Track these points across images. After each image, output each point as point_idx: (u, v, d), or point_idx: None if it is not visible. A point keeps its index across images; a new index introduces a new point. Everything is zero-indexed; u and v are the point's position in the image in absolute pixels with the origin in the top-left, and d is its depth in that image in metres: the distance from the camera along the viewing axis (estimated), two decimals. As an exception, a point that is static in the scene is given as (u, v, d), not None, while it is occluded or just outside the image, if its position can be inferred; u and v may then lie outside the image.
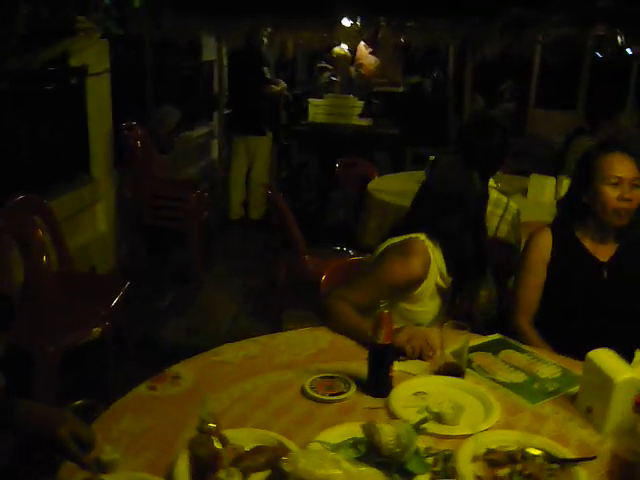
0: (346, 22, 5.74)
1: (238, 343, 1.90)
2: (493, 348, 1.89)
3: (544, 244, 2.22)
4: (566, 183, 3.70)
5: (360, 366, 1.75)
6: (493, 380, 1.71)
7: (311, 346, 1.89)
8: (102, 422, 1.47)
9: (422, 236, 2.07)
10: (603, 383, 1.48)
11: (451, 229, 2.07)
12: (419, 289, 2.06)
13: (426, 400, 1.59)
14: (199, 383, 1.66)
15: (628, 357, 1.96)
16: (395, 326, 1.90)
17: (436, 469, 1.31)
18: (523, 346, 1.93)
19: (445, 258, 2.09)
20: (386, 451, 1.31)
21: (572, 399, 1.62)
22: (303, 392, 1.62)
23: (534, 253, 2.23)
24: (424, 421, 1.43)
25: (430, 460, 1.33)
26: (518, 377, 1.73)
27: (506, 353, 1.88)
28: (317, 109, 5.86)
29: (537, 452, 1.37)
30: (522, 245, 2.48)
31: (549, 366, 1.79)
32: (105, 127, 4.65)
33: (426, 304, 2.11)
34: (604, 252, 2.18)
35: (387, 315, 1.60)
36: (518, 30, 5.67)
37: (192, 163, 6.78)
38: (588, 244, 2.19)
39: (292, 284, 3.81)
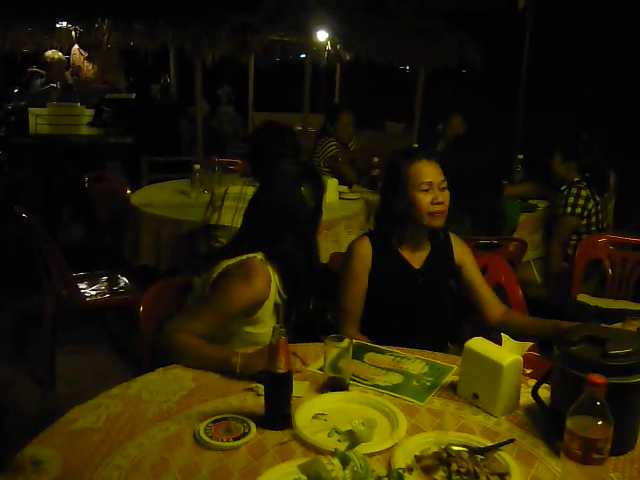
0: (61, 24, 5.24)
1: (89, 402, 1.59)
2: (355, 354, 1.90)
3: (365, 253, 2.28)
4: (331, 182, 3.93)
5: (242, 400, 1.62)
6: (376, 387, 1.72)
7: (178, 388, 1.67)
8: None
9: (259, 255, 1.97)
10: (490, 368, 1.58)
11: (286, 248, 2.00)
12: (261, 310, 1.97)
13: (328, 421, 1.53)
14: (69, 463, 1.34)
15: (441, 348, 2.20)
16: (241, 351, 1.82)
17: (392, 491, 1.27)
18: (378, 347, 1.98)
19: (280, 275, 2.03)
20: (340, 487, 1.23)
21: (449, 389, 1.72)
22: (201, 443, 1.43)
23: (356, 262, 2.28)
24: (354, 444, 1.37)
25: (382, 483, 1.28)
26: (395, 378, 1.76)
27: (369, 356, 1.90)
28: (40, 119, 5.22)
29: (460, 448, 1.42)
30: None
31: (414, 362, 1.87)
32: None
33: (267, 324, 2.02)
34: (418, 259, 2.33)
35: (284, 341, 1.49)
36: (242, 35, 5.82)
37: None
38: (404, 252, 2.31)
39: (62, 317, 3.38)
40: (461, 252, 2.38)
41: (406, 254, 2.31)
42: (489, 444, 1.44)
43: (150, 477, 1.32)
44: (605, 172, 4.00)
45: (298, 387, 1.68)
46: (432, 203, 2.19)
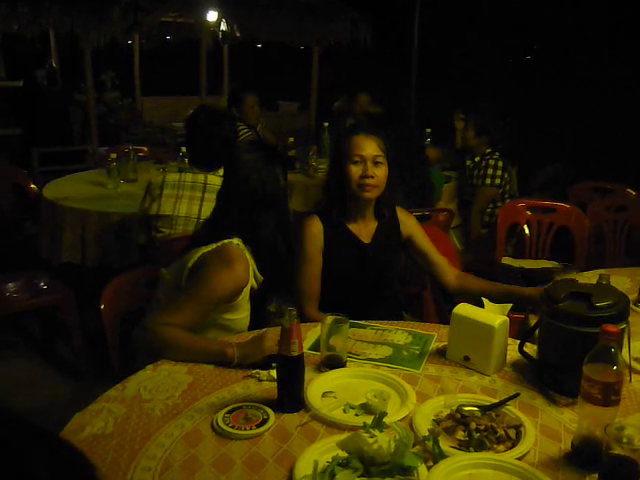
0: None
1: (89, 408, 1.52)
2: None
3: (316, 232, 2.30)
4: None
5: (246, 387, 1.62)
6: (371, 360, 1.77)
7: (176, 384, 1.63)
8: None
9: (235, 240, 1.95)
10: (481, 331, 1.68)
11: (264, 229, 1.99)
12: (240, 296, 1.95)
13: (338, 398, 1.57)
14: (93, 472, 1.29)
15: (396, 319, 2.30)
16: (225, 339, 1.85)
17: (426, 455, 1.33)
18: (358, 322, 2.03)
19: (256, 258, 2.02)
20: (383, 457, 1.27)
21: (438, 355, 1.80)
22: (224, 434, 1.41)
23: (309, 243, 2.30)
24: (382, 416, 1.41)
25: (418, 448, 1.33)
26: (386, 351, 1.82)
27: (352, 332, 1.94)
28: None
29: (470, 407, 1.50)
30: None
31: (396, 333, 1.94)
32: None
33: (244, 310, 2.01)
34: (367, 233, 2.38)
35: (297, 324, 1.49)
36: (133, 16, 5.58)
37: None
38: (353, 227, 2.35)
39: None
40: (408, 224, 2.46)
41: (354, 229, 2.35)
42: (494, 401, 1.53)
43: (185, 475, 1.29)
44: (513, 143, 4.28)
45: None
46: (361, 176, 2.23)
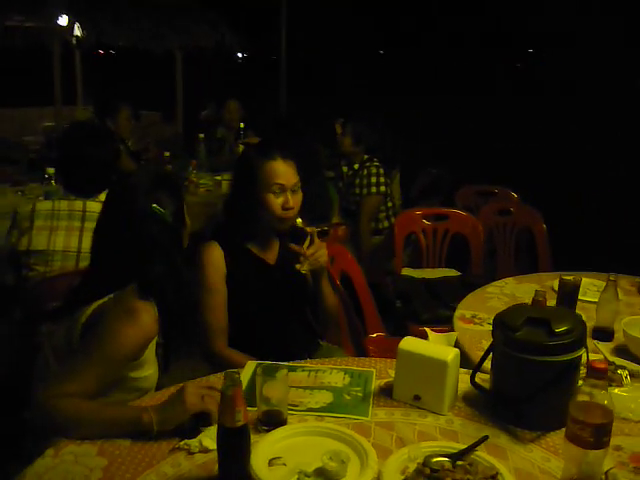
0: None
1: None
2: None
3: (217, 258, 2.09)
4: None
5: (176, 464, 1.36)
6: (311, 411, 1.56)
7: (87, 471, 1.32)
8: None
9: (132, 287, 1.64)
10: (432, 367, 1.53)
11: (155, 278, 1.65)
12: (147, 350, 1.66)
13: (288, 465, 1.35)
14: None
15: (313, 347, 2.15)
16: (136, 403, 1.58)
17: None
18: (284, 364, 1.81)
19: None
20: None
21: (383, 394, 1.63)
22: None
23: (210, 271, 2.08)
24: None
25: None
26: (326, 397, 1.62)
27: (283, 377, 1.73)
28: None
29: (438, 458, 1.35)
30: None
31: (331, 374, 1.74)
32: None
33: (151, 365, 1.71)
34: (271, 254, 2.21)
35: (239, 390, 1.25)
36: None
37: None
38: (256, 250, 2.17)
39: None
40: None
41: (258, 251, 2.17)
42: (460, 445, 1.39)
43: None
44: (391, 150, 4.26)
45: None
46: (283, 208, 2.06)
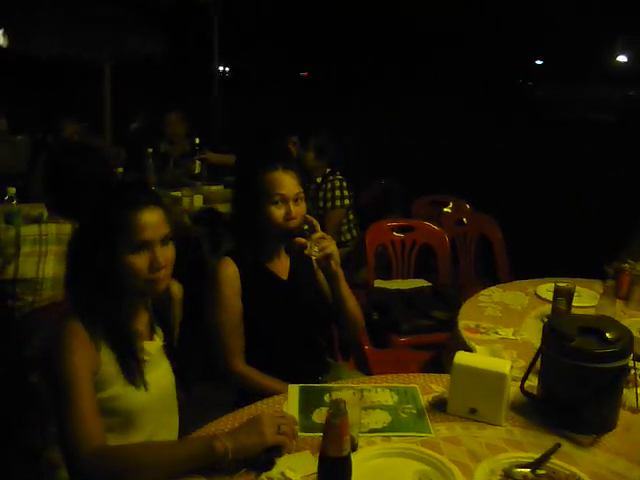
0: None
1: None
2: (310, 403, 1.68)
3: (232, 275, 2.06)
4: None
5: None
6: (375, 431, 1.56)
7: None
8: None
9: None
10: (490, 380, 1.57)
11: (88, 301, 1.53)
12: (102, 367, 1.52)
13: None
14: None
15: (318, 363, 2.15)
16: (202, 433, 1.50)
17: None
18: (327, 385, 1.80)
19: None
20: None
21: (436, 410, 1.65)
22: None
23: (225, 288, 2.05)
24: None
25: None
26: (382, 416, 1.62)
27: (329, 397, 1.71)
28: None
29: (519, 470, 1.39)
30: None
31: (377, 392, 1.74)
32: None
33: (114, 383, 1.55)
34: (282, 269, 2.19)
35: (345, 418, 1.24)
36: None
37: None
38: (269, 265, 2.16)
39: None
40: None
41: (271, 267, 2.16)
42: (534, 456, 1.44)
43: None
44: (353, 162, 4.31)
45: (298, 460, 1.42)
46: (286, 218, 2.05)
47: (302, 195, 2.09)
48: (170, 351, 1.72)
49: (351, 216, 3.98)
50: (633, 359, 1.58)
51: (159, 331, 1.71)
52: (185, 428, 1.70)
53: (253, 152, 2.94)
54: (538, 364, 1.67)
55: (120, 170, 4.10)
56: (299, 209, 2.07)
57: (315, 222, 2.07)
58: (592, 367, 1.53)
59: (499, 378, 1.57)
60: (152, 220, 1.53)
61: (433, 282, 3.46)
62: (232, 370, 2.05)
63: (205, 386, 2.26)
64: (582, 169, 6.96)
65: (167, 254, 1.56)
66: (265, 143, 3.08)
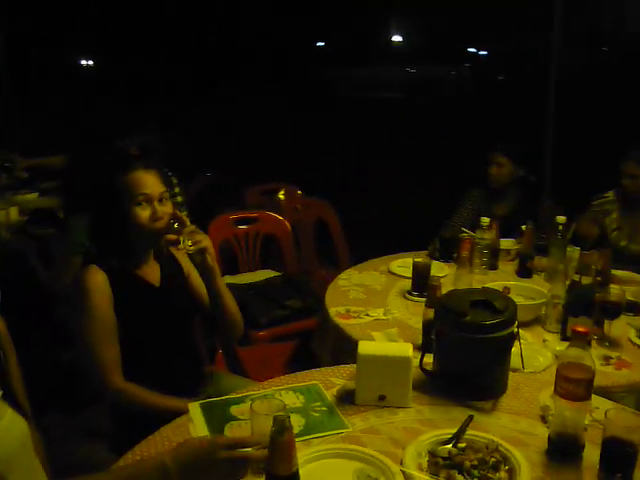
0: None
1: None
2: (217, 420, 1.58)
3: (102, 283, 1.91)
4: None
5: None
6: (297, 436, 1.50)
7: None
8: None
9: None
10: (397, 365, 1.60)
11: None
12: None
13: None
14: None
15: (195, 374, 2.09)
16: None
17: None
18: (228, 397, 1.70)
19: None
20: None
21: (344, 402, 1.65)
22: None
23: (95, 296, 1.89)
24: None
25: None
26: (297, 420, 1.56)
27: (236, 410, 1.62)
28: None
29: (443, 447, 1.43)
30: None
31: (282, 396, 1.68)
32: None
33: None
34: (153, 276, 2.07)
35: (291, 433, 1.17)
36: None
37: None
38: (138, 271, 2.03)
39: None
40: (185, 261, 2.20)
41: (141, 273, 2.04)
42: (451, 431, 1.49)
43: None
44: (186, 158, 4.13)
45: None
46: (152, 219, 1.95)
47: (167, 195, 2.00)
48: (10, 396, 1.46)
49: (184, 212, 3.81)
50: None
51: None
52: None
53: (92, 154, 2.68)
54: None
55: None
56: (165, 209, 1.97)
57: (184, 217, 1.96)
58: (487, 337, 1.62)
59: (404, 362, 1.61)
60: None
61: (281, 271, 3.46)
62: (110, 387, 1.88)
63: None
64: (384, 144, 7.31)
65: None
66: (102, 144, 2.81)
